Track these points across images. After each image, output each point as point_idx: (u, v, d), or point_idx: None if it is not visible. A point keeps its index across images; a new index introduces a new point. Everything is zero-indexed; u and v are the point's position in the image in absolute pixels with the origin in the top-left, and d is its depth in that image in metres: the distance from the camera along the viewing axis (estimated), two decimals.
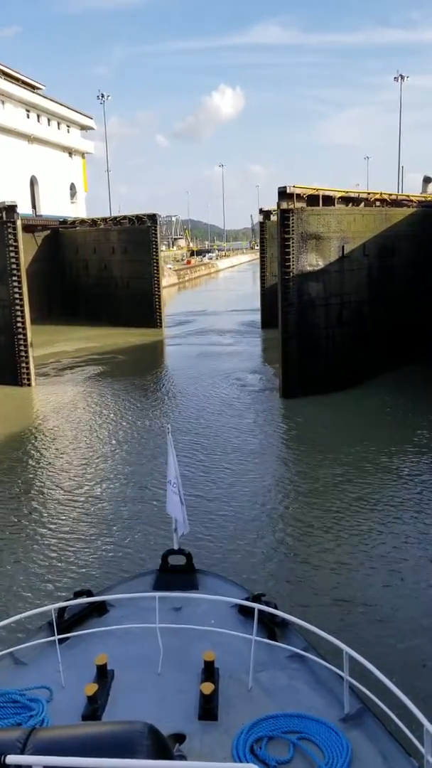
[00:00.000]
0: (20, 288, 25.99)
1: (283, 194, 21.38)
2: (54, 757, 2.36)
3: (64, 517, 13.64)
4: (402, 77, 75.03)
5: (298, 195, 21.68)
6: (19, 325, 26.06)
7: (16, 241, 25.95)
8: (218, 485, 15.00)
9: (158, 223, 43.29)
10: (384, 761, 4.15)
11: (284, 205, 21.44)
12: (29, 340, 26.33)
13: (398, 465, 16.01)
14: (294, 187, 21.45)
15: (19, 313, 26.02)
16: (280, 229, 21.71)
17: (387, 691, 4.05)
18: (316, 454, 16.92)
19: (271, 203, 47.06)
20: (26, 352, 26.22)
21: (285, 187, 21.32)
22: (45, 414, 22.65)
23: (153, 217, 42.56)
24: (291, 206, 21.45)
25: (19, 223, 26.11)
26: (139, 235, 42.47)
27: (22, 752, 2.50)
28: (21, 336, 26.12)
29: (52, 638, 5.20)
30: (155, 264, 42.12)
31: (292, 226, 21.42)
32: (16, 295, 25.92)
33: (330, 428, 19.34)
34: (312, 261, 22.07)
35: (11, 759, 2.37)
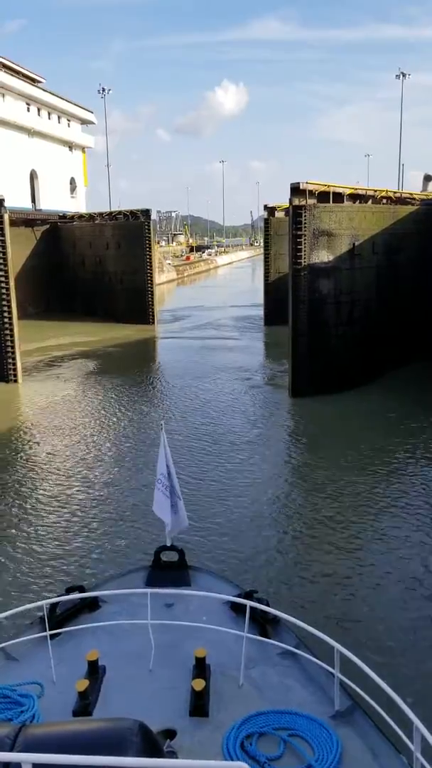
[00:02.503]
0: (7, 282, 25.70)
1: (295, 190, 21.17)
2: (43, 755, 2.34)
3: (47, 515, 13.45)
4: (404, 75, 74.79)
5: (310, 191, 21.44)
6: (5, 319, 25.77)
7: (3, 235, 25.54)
8: (231, 485, 14.81)
9: (151, 218, 43.07)
10: (374, 758, 4.16)
11: (296, 201, 21.21)
12: (16, 335, 26.01)
13: (416, 466, 15.85)
14: (307, 183, 21.24)
15: (5, 308, 25.73)
16: (291, 225, 21.47)
17: (377, 689, 4.04)
18: (330, 455, 16.71)
19: (270, 200, 46.92)
20: (13, 347, 25.92)
21: (298, 183, 21.12)
22: (29, 411, 22.31)
23: (147, 213, 42.27)
24: (303, 202, 21.21)
25: (6, 217, 25.68)
26: (132, 230, 42.17)
27: (11, 749, 2.49)
28: (7, 331, 25.84)
29: (43, 634, 5.18)
30: (148, 260, 41.77)
31: (305, 223, 21.19)
32: (3, 290, 25.63)
33: (343, 428, 19.15)
34: (323, 258, 21.85)
35: (1, 756, 2.37)
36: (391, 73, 78.99)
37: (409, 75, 75.31)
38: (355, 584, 10.47)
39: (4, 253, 25.58)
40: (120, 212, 46.02)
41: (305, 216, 21.23)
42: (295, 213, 21.27)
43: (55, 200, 57.14)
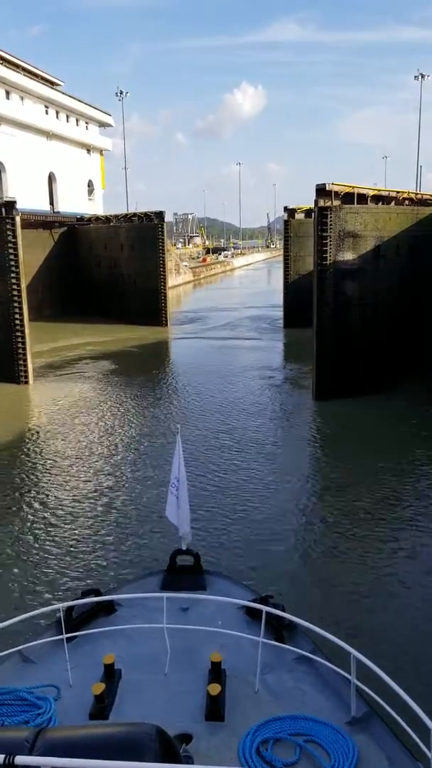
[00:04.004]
0: (19, 285, 25.79)
1: (321, 191, 20.96)
2: (62, 759, 2.38)
3: (60, 515, 13.35)
4: (423, 76, 74.39)
5: (335, 193, 21.19)
6: (17, 322, 25.84)
7: (15, 237, 25.61)
8: (257, 492, 14.58)
9: (165, 220, 43.06)
10: (390, 765, 4.13)
11: (322, 203, 20.98)
12: (27, 337, 26.08)
13: None
14: (333, 184, 21.02)
15: (17, 310, 25.81)
16: (317, 226, 21.23)
17: (394, 695, 4.01)
18: (358, 460, 16.42)
19: (287, 202, 46.78)
20: (24, 349, 25.99)
21: (324, 185, 20.91)
22: (39, 412, 22.20)
23: (160, 215, 42.20)
24: (329, 204, 20.96)
25: (18, 219, 25.75)
26: (146, 232, 42.15)
27: (30, 753, 2.53)
28: (19, 333, 25.91)
29: (60, 637, 5.20)
30: (162, 261, 41.69)
31: (330, 224, 20.93)
32: (15, 292, 25.70)
33: (370, 432, 18.87)
34: (348, 260, 21.58)
35: (20, 760, 2.40)
36: (410, 75, 78.44)
37: (428, 76, 74.88)
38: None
39: (16, 256, 25.65)
40: (134, 214, 46.09)
41: (331, 217, 20.98)
42: (321, 214, 21.04)
43: (73, 203, 57.37)
